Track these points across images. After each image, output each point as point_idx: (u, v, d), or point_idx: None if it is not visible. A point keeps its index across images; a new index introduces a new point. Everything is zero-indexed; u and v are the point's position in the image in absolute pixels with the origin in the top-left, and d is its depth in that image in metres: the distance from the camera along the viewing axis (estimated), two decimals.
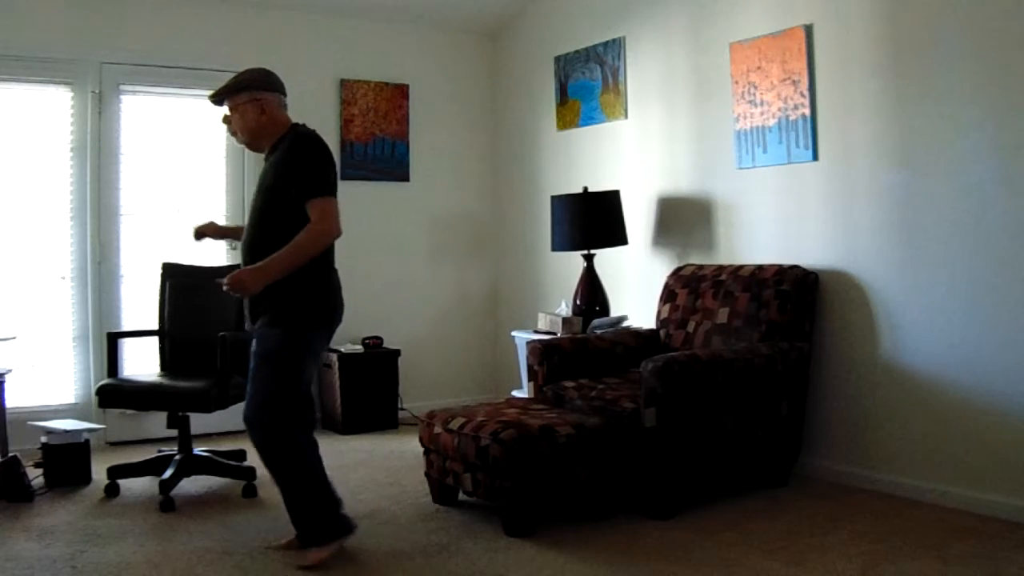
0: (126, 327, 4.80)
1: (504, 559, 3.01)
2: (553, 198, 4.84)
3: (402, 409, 5.39)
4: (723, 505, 3.54)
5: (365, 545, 3.17)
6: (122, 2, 4.89)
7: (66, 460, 3.95)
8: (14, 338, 4.31)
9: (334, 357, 5.20)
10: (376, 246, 5.60)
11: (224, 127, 3.22)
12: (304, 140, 3.03)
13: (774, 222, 4.18)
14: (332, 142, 5.37)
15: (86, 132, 4.79)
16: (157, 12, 4.97)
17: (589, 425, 3.39)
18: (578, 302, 4.76)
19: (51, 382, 4.75)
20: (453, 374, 5.87)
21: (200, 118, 5.02)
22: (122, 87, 4.90)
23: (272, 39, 5.26)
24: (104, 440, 4.74)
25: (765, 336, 3.79)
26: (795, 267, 3.92)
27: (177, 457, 3.84)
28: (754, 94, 4.22)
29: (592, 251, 4.73)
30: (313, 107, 5.33)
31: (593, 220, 4.62)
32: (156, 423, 4.41)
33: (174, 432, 3.91)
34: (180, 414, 3.85)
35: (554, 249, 4.82)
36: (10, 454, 3.84)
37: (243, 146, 3.24)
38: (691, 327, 4.11)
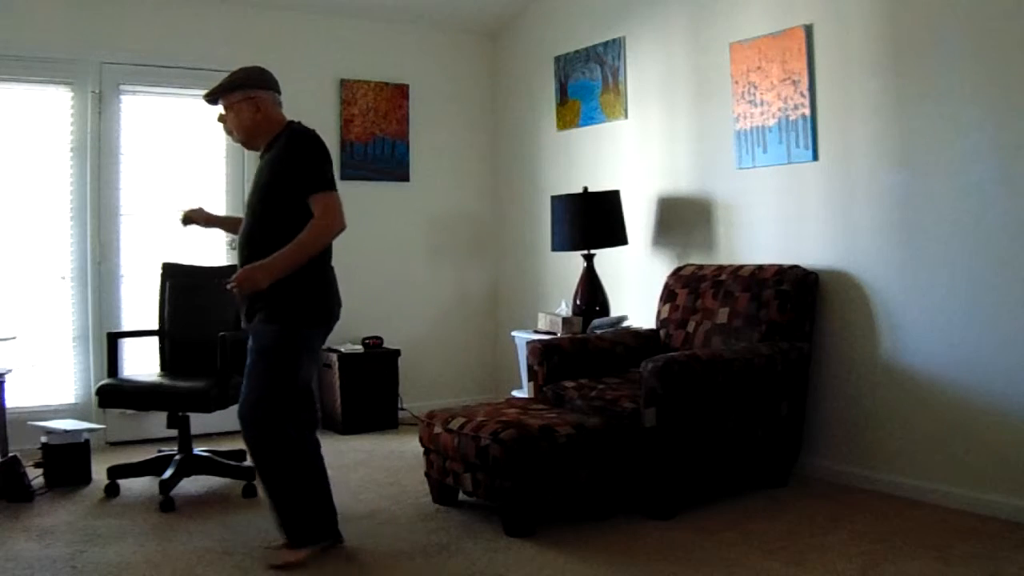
0: (126, 327, 4.80)
1: (504, 559, 3.01)
2: (553, 198, 4.84)
3: (402, 409, 5.39)
4: (723, 505, 3.54)
5: (365, 545, 3.17)
6: (122, 2, 4.89)
7: (66, 460, 3.95)
8: (14, 338, 4.31)
9: (334, 357, 5.20)
10: (376, 246, 5.59)
11: (220, 126, 3.22)
12: (301, 137, 3.04)
13: (774, 222, 4.18)
14: (332, 142, 5.41)
15: (86, 132, 4.79)
16: (157, 12, 4.97)
17: (589, 425, 3.39)
18: (578, 302, 4.76)
19: (51, 382, 4.75)
20: (453, 374, 5.87)
21: (200, 118, 5.01)
22: (122, 87, 4.90)
23: (272, 39, 5.26)
24: (104, 440, 4.74)
25: (765, 336, 3.79)
26: (795, 267, 3.92)
27: (177, 457, 3.84)
28: (754, 94, 4.22)
29: (592, 251, 4.73)
30: (313, 107, 5.34)
31: (593, 220, 4.62)
32: (156, 423, 4.41)
33: (174, 432, 3.91)
34: (180, 414, 3.85)
35: (554, 249, 4.82)
36: (10, 454, 3.84)
37: (239, 144, 3.24)
38: (691, 327, 4.11)
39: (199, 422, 4.11)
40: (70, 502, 3.72)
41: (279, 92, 3.16)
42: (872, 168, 3.77)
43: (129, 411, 4.57)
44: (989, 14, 3.35)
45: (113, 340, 4.17)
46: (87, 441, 4.06)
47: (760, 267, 4.02)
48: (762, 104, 4.18)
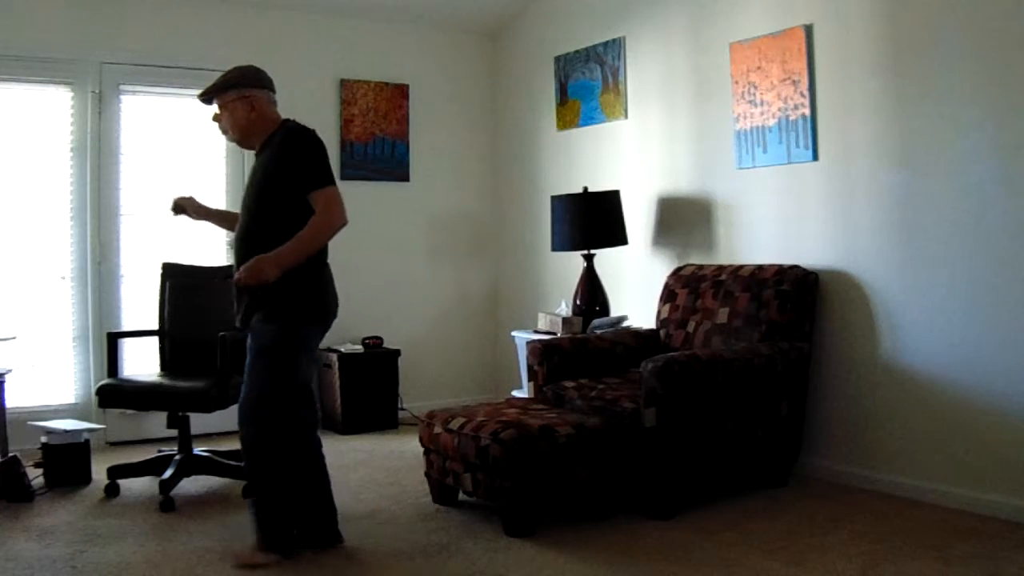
0: (126, 327, 4.80)
1: (504, 559, 3.01)
2: (553, 198, 4.84)
3: (402, 409, 5.39)
4: (723, 505, 3.54)
5: (365, 545, 3.18)
6: (122, 2, 4.89)
7: (66, 460, 3.95)
8: (14, 338, 4.31)
9: (334, 357, 5.20)
10: (376, 246, 5.60)
11: (216, 125, 3.22)
12: (297, 134, 3.04)
13: (774, 222, 4.18)
14: (332, 142, 5.42)
15: (86, 132, 4.79)
16: (157, 12, 4.97)
17: (589, 425, 3.39)
18: (578, 302, 4.76)
19: (51, 382, 4.75)
20: (453, 374, 5.87)
21: (200, 118, 4.99)
22: (122, 87, 4.90)
23: (272, 39, 5.26)
24: (104, 440, 4.74)
25: (765, 336, 3.79)
26: (795, 267, 3.92)
27: (177, 457, 3.84)
28: (754, 94, 4.22)
29: (592, 251, 4.73)
30: (313, 107, 5.34)
31: (593, 220, 4.62)
32: (156, 423, 4.41)
33: (174, 432, 3.91)
34: (180, 414, 3.85)
35: (554, 249, 4.82)
36: (10, 454, 3.84)
37: (234, 143, 3.24)
38: (691, 327, 4.11)
39: (199, 422, 4.12)
40: (70, 502, 3.72)
41: (273, 91, 3.16)
42: (872, 168, 3.77)
43: (129, 411, 4.57)
44: (989, 14, 3.35)
45: (113, 340, 4.17)
46: (87, 441, 4.07)
47: (760, 267, 4.02)
48: (762, 104, 4.18)
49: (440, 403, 4.65)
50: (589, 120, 5.24)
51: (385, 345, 5.44)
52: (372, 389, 5.25)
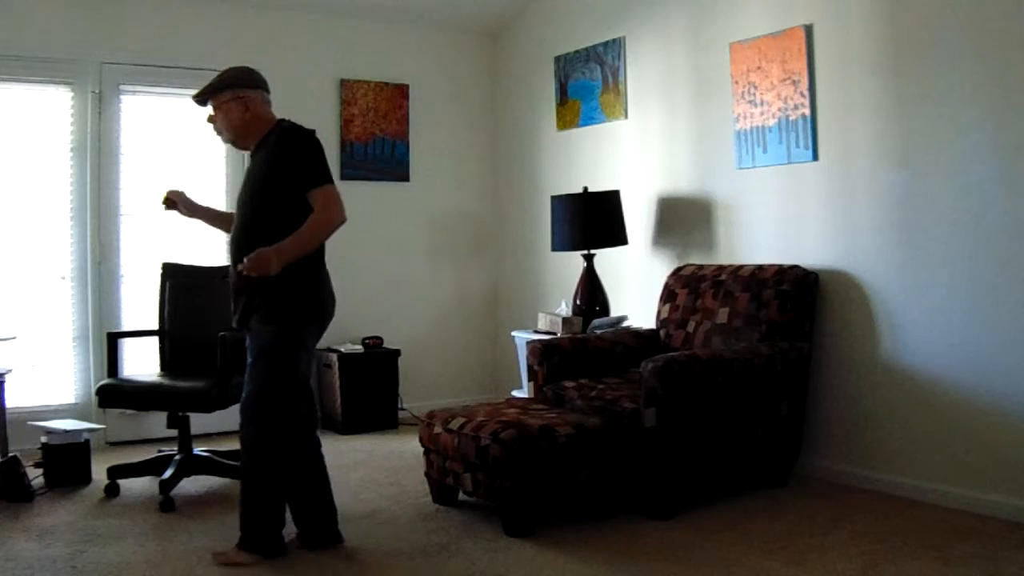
0: (126, 327, 4.81)
1: (504, 559, 3.01)
2: (553, 198, 4.84)
3: (402, 409, 5.39)
4: (723, 505, 3.54)
5: (365, 545, 3.18)
6: (122, 2, 4.89)
7: (66, 460, 3.95)
8: (14, 338, 4.31)
9: (334, 357, 5.20)
10: (376, 246, 5.60)
11: (210, 126, 3.21)
12: (294, 133, 3.04)
13: (774, 222, 4.18)
14: (332, 142, 5.43)
15: (86, 132, 4.79)
16: (157, 12, 4.97)
17: (589, 425, 3.39)
18: (578, 302, 4.76)
19: (51, 382, 4.75)
20: (453, 374, 5.87)
21: (200, 118, 4.95)
22: (122, 87, 4.90)
23: (272, 39, 5.26)
24: (104, 440, 4.74)
25: (765, 336, 3.79)
26: (795, 267, 3.92)
27: (177, 457, 3.84)
28: (754, 94, 4.22)
29: (592, 251, 4.73)
30: (313, 107, 5.34)
31: (593, 220, 4.62)
32: (156, 423, 4.42)
33: (174, 432, 3.91)
34: (180, 414, 3.85)
35: (554, 249, 4.82)
36: (10, 454, 3.84)
37: (229, 145, 3.24)
38: (691, 327, 4.11)
39: (199, 422, 4.11)
40: (70, 502, 3.72)
41: (268, 91, 3.17)
42: (872, 168, 3.77)
43: (129, 411, 4.57)
44: (989, 14, 3.35)
45: (113, 340, 4.17)
46: (87, 441, 4.07)
47: (760, 267, 4.02)
48: (762, 104, 4.18)
49: (440, 403, 4.65)
50: (589, 120, 5.24)
51: (385, 345, 5.44)
52: (372, 389, 5.25)
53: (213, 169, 5.13)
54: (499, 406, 3.72)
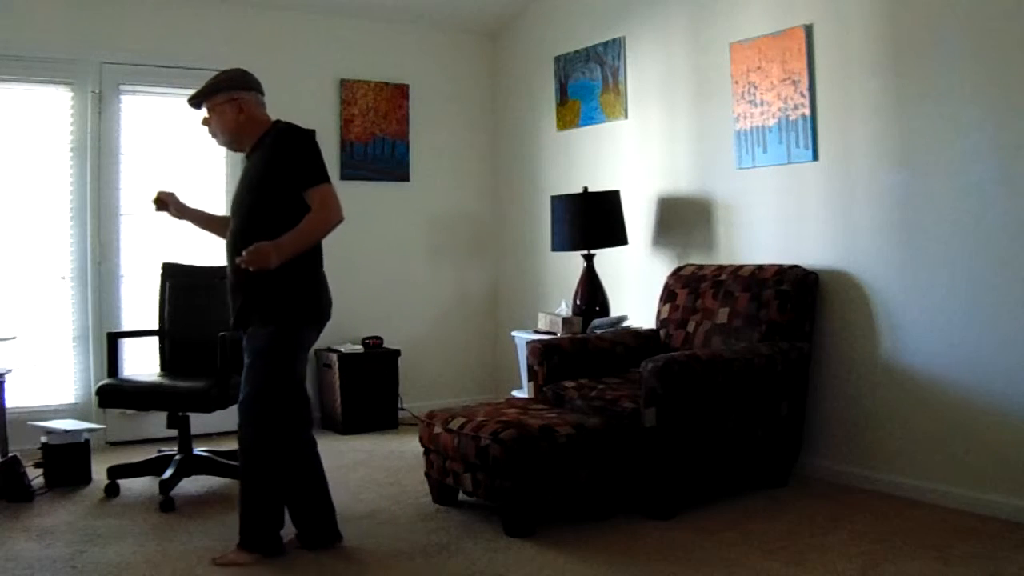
0: (126, 327, 4.81)
1: (504, 559, 3.01)
2: (553, 198, 4.84)
3: (402, 409, 5.39)
4: (723, 505, 3.54)
5: (365, 545, 3.18)
6: (122, 2, 4.89)
7: (66, 460, 3.95)
8: (14, 338, 4.31)
9: (334, 357, 5.20)
10: (376, 246, 5.60)
11: (205, 129, 3.20)
12: (290, 133, 3.04)
13: (774, 222, 4.18)
14: (332, 142, 5.43)
15: (86, 132, 4.79)
16: (157, 12, 4.97)
17: (589, 425, 3.39)
18: (578, 302, 4.76)
19: (51, 382, 4.75)
20: (453, 374, 5.87)
21: (199, 118, 5.00)
22: (122, 87, 4.91)
23: (272, 39, 5.26)
24: (104, 440, 4.74)
25: (765, 336, 3.79)
26: (795, 267, 3.92)
27: (177, 457, 3.84)
28: (754, 94, 4.22)
29: (592, 251, 4.73)
30: (313, 107, 5.35)
31: (593, 220, 4.62)
32: (156, 423, 4.41)
33: (174, 432, 3.91)
34: (180, 414, 3.85)
35: (554, 249, 4.82)
36: (10, 454, 3.84)
37: (224, 147, 3.23)
38: (691, 327, 4.11)
39: (199, 422, 4.11)
40: (70, 502, 3.72)
41: (262, 93, 3.17)
42: (872, 168, 3.77)
43: (129, 411, 4.57)
44: (989, 14, 3.35)
45: (113, 340, 4.17)
46: (87, 441, 4.07)
47: (760, 267, 4.02)
48: (762, 104, 4.18)
49: (440, 403, 4.65)
50: (589, 120, 5.24)
51: (385, 345, 5.44)
52: (372, 389, 5.25)
53: (213, 169, 5.14)
54: (499, 406, 3.72)
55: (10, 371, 4.06)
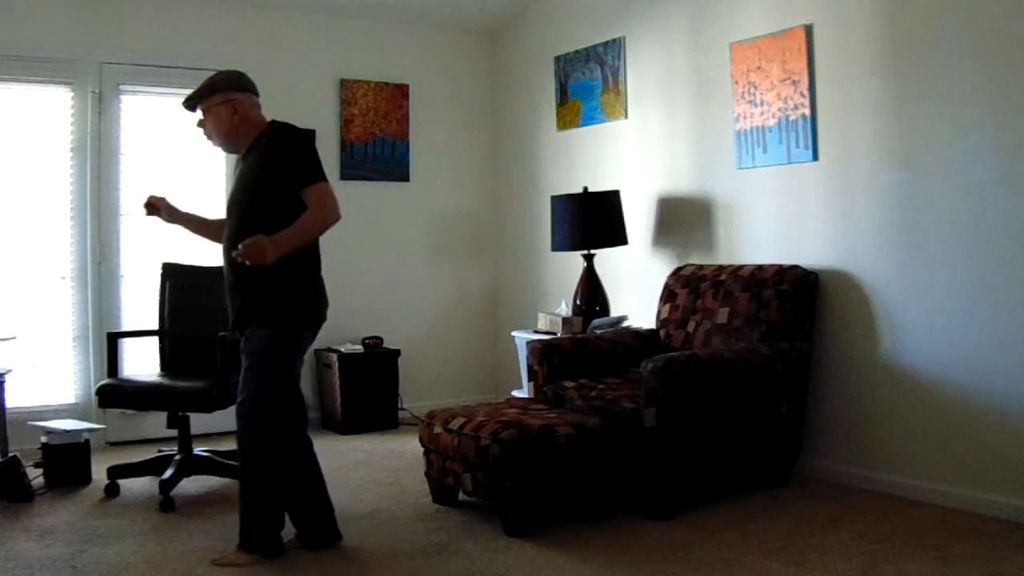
0: (126, 327, 4.81)
1: (504, 559, 3.01)
2: (553, 198, 4.84)
3: (402, 409, 5.39)
4: (723, 505, 3.54)
5: (365, 545, 3.18)
6: (122, 2, 4.89)
7: (66, 460, 3.95)
8: (14, 338, 4.31)
9: (334, 357, 5.20)
10: (376, 246, 5.60)
11: (200, 131, 3.20)
12: (286, 133, 3.04)
13: (774, 222, 4.18)
14: (332, 142, 5.43)
15: (86, 132, 4.79)
16: (157, 12, 4.97)
17: (589, 425, 3.39)
18: (578, 302, 4.76)
19: (51, 382, 4.75)
20: (453, 374, 5.87)
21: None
22: (122, 87, 4.91)
23: (272, 39, 5.26)
24: (104, 440, 4.74)
25: (765, 336, 3.79)
26: (795, 267, 3.92)
27: (177, 457, 3.84)
28: (754, 94, 4.22)
29: (592, 251, 4.73)
30: (313, 107, 5.35)
31: (593, 220, 4.62)
32: (156, 423, 4.41)
33: (174, 432, 3.91)
34: (180, 414, 3.86)
35: (554, 249, 4.82)
36: (10, 454, 3.84)
37: (219, 148, 3.23)
38: (691, 327, 4.11)
39: (199, 422, 4.12)
40: (70, 502, 3.72)
41: (257, 94, 3.17)
42: (872, 168, 3.77)
43: (129, 411, 4.57)
44: (989, 14, 3.35)
45: (113, 340, 4.17)
46: (87, 441, 4.07)
47: (760, 267, 4.02)
48: (762, 104, 4.18)
49: (440, 403, 4.65)
50: (589, 120, 5.24)
51: (385, 345, 5.44)
52: (372, 389, 5.25)
53: (213, 169, 5.13)
54: (499, 406, 3.72)
55: (10, 371, 4.06)
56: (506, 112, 6.00)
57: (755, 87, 4.21)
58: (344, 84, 5.50)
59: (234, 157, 5.06)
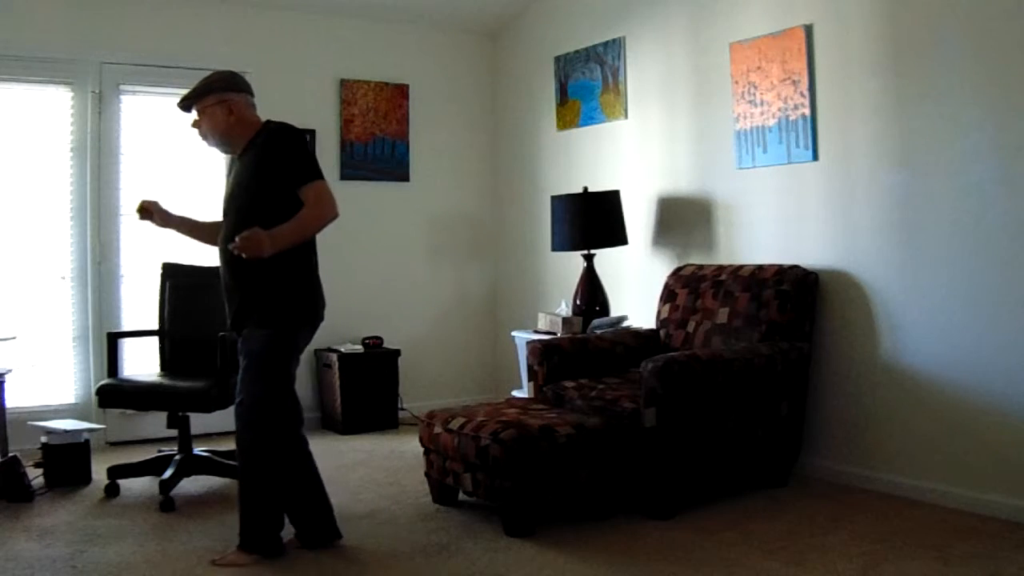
0: (126, 327, 4.81)
1: (504, 559, 3.01)
2: (553, 198, 4.84)
3: (402, 409, 5.39)
4: (723, 505, 3.54)
5: (365, 545, 3.18)
6: (122, 2, 4.89)
7: (66, 460, 3.95)
8: (14, 338, 4.31)
9: (334, 357, 5.20)
10: (376, 246, 5.60)
11: (195, 131, 3.20)
12: (282, 132, 3.04)
13: (774, 222, 4.18)
14: (332, 142, 5.44)
15: (86, 132, 4.79)
16: (157, 12, 4.97)
17: (589, 425, 3.39)
18: (578, 302, 4.76)
19: (51, 382, 4.75)
20: (453, 374, 5.87)
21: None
22: (122, 87, 4.91)
23: (272, 39, 5.26)
24: (104, 440, 4.74)
25: (765, 336, 3.78)
26: (795, 267, 3.92)
27: (177, 457, 3.84)
28: (754, 94, 4.22)
29: (592, 251, 4.73)
30: (313, 107, 5.35)
31: (593, 220, 4.62)
32: (156, 423, 4.41)
33: (174, 432, 3.91)
34: (180, 414, 3.86)
35: (554, 249, 4.82)
36: (10, 454, 3.84)
37: (215, 148, 3.22)
38: (691, 327, 4.11)
39: (199, 422, 4.12)
40: (70, 502, 3.72)
41: (252, 94, 3.16)
42: (872, 168, 3.77)
43: (129, 411, 4.57)
44: (989, 14, 3.35)
45: (113, 340, 4.17)
46: (87, 441, 4.07)
47: (760, 267, 4.02)
48: (762, 104, 4.18)
49: (440, 403, 4.65)
50: (589, 120, 5.24)
51: (385, 345, 5.44)
52: (372, 389, 5.25)
53: (213, 169, 5.13)
54: (499, 406, 3.72)
55: (10, 371, 4.06)
56: (506, 112, 5.99)
57: (755, 87, 4.21)
58: (344, 84, 5.50)
59: (234, 157, 5.13)
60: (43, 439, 3.98)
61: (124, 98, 4.92)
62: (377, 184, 5.62)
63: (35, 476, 3.91)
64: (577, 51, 5.31)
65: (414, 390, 5.56)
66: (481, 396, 5.69)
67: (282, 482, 3.01)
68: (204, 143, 3.19)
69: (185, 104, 3.14)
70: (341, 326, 5.26)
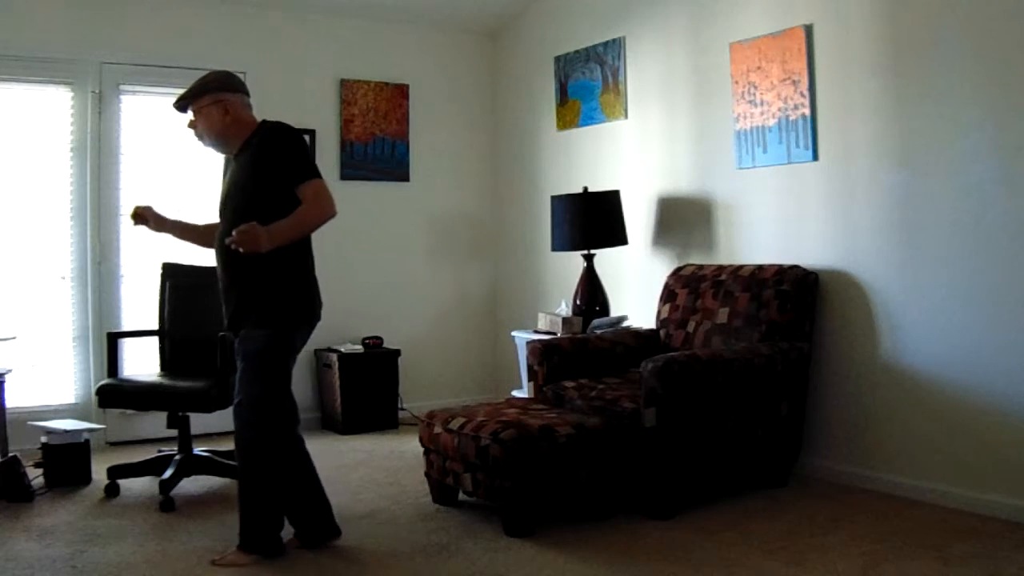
0: (126, 327, 4.81)
1: (504, 559, 3.01)
2: (553, 198, 4.84)
3: (402, 409, 5.39)
4: (723, 505, 3.54)
5: (365, 545, 3.18)
6: (122, 2, 4.89)
7: (66, 460, 3.95)
8: (14, 338, 4.31)
9: (334, 357, 5.20)
10: (376, 246, 5.60)
11: (191, 132, 3.19)
12: (278, 132, 3.05)
13: (774, 222, 4.18)
14: (332, 142, 5.44)
15: (86, 132, 4.79)
16: (157, 12, 4.97)
17: (589, 425, 3.39)
18: (578, 302, 4.76)
19: (51, 382, 4.75)
20: (453, 374, 5.87)
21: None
22: (122, 87, 4.91)
23: (272, 39, 5.26)
24: (104, 440, 4.74)
25: (765, 336, 3.79)
26: (795, 267, 3.92)
27: (177, 457, 3.84)
28: (754, 94, 4.22)
29: (592, 251, 4.73)
30: (313, 107, 5.35)
31: (593, 220, 4.62)
32: (156, 423, 4.41)
33: (174, 432, 3.91)
34: (180, 414, 3.86)
35: (554, 249, 4.82)
36: (10, 454, 3.84)
37: (211, 148, 3.22)
38: (691, 327, 4.11)
39: (199, 422, 4.12)
40: (70, 502, 3.72)
41: (247, 95, 3.17)
42: (872, 168, 3.77)
43: (129, 411, 4.57)
44: (989, 14, 3.35)
45: (113, 340, 4.17)
46: (87, 441, 4.07)
47: (760, 267, 4.02)
48: (762, 104, 4.18)
49: (440, 403, 4.65)
50: (589, 120, 5.24)
51: (385, 345, 5.44)
52: (372, 389, 5.25)
53: (213, 169, 5.13)
54: (499, 406, 3.72)
55: (10, 371, 4.06)
56: (506, 112, 5.99)
57: (755, 87, 4.21)
58: (344, 84, 5.50)
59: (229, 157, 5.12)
60: (43, 439, 3.98)
61: (124, 98, 4.92)
62: (377, 184, 5.62)
63: (35, 476, 3.91)
64: (577, 51, 5.31)
65: (414, 390, 5.56)
66: (481, 396, 5.69)
67: (281, 482, 3.01)
68: (200, 143, 3.19)
69: (181, 104, 3.14)
70: (341, 326, 5.26)
